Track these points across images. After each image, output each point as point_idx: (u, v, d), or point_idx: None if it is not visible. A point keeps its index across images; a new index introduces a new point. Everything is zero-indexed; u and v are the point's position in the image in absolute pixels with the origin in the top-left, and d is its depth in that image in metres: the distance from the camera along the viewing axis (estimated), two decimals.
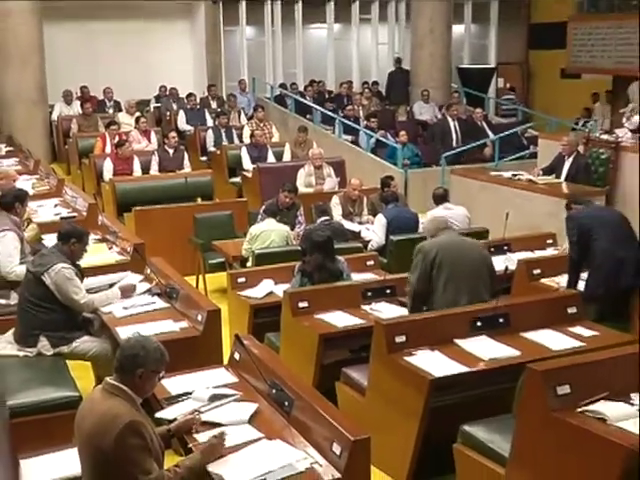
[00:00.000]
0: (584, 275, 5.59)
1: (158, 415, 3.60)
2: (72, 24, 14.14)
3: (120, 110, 13.09)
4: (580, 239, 5.51)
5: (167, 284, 5.22)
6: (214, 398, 3.68)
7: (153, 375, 3.16)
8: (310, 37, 16.78)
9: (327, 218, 7.14)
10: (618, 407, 3.27)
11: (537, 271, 6.06)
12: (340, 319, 5.08)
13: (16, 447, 3.41)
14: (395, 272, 6.09)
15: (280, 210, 7.33)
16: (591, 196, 7.59)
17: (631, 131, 9.47)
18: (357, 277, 5.88)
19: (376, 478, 3.73)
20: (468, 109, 14.11)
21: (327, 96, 14.95)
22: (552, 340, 4.52)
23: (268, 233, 6.84)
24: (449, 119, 12.43)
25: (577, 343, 4.49)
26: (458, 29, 16.69)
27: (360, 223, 7.98)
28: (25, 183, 8.38)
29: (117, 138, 10.36)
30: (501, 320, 4.59)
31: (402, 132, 11.64)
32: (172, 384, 3.88)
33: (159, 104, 14.07)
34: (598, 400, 3.30)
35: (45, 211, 7.65)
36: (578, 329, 4.68)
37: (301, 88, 15.21)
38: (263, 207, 7.34)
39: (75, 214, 7.50)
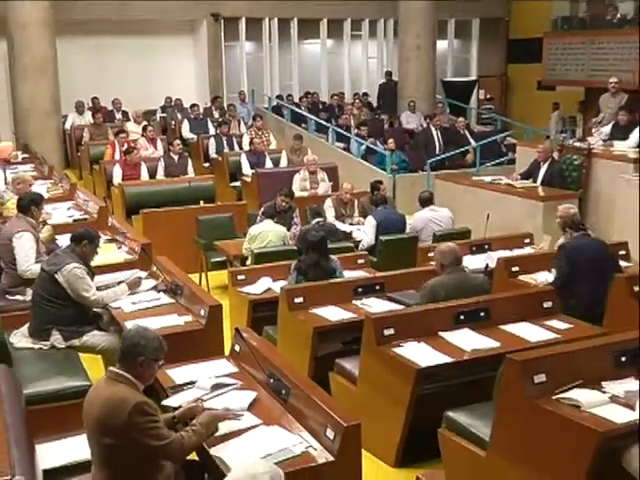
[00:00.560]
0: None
1: (164, 403, 3.60)
2: (84, 40, 14.10)
3: (128, 120, 13.05)
4: (565, 270, 5.44)
5: (172, 281, 5.22)
6: (216, 387, 3.68)
7: (153, 363, 3.15)
8: (305, 52, 16.77)
9: (321, 219, 7.13)
10: (591, 394, 3.27)
11: (515, 268, 6.07)
12: (333, 313, 5.07)
13: (32, 433, 3.39)
14: (384, 270, 6.10)
15: (277, 212, 7.32)
16: (565, 199, 7.62)
17: (602, 140, 9.50)
18: (349, 274, 5.87)
19: (367, 461, 3.71)
20: (451, 118, 14.14)
21: (321, 106, 14.93)
22: (529, 332, 4.52)
23: (266, 233, 6.83)
24: (432, 128, 12.44)
25: (553, 335, 4.49)
26: (442, 44, 16.70)
27: (351, 224, 7.98)
28: (40, 187, 8.34)
29: (126, 146, 10.32)
30: (482, 314, 4.59)
31: (390, 140, 11.65)
32: (177, 374, 3.88)
33: (165, 114, 14.05)
34: (572, 388, 3.30)
35: (59, 213, 7.61)
36: (554, 322, 4.68)
37: (296, 99, 15.21)
38: (261, 209, 7.33)
39: (87, 216, 7.48)
